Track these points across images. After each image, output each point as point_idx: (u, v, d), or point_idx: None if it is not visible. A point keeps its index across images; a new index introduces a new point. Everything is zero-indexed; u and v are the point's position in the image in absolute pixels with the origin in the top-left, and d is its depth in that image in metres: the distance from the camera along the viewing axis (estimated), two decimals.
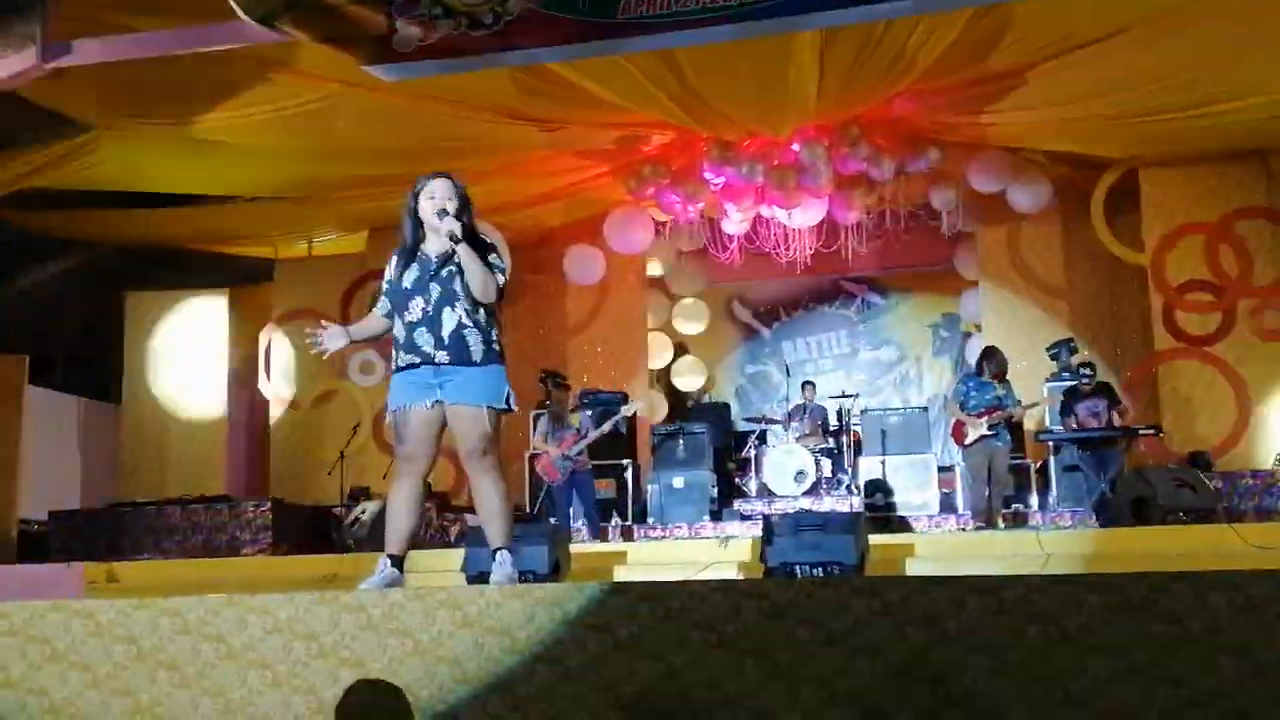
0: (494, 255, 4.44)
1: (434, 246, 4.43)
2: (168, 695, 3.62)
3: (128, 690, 3.66)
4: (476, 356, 4.34)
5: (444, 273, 4.36)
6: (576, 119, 10.47)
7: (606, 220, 12.71)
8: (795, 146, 11.25)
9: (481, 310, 4.38)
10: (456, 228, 4.32)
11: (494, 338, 4.42)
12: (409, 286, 4.38)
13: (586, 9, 7.02)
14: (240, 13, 7.02)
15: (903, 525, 10.23)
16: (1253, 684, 2.86)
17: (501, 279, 4.42)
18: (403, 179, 4.64)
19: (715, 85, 9.74)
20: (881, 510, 10.57)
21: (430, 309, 4.33)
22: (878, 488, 10.86)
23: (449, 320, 4.32)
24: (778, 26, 7.23)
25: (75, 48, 7.44)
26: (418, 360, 4.34)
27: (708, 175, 11.71)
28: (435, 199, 4.40)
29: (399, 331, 4.40)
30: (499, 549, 4.43)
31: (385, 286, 4.52)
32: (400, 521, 4.44)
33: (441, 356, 4.31)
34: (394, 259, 4.51)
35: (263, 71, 8.88)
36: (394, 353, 4.45)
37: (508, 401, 4.41)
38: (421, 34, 7.14)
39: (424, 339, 4.33)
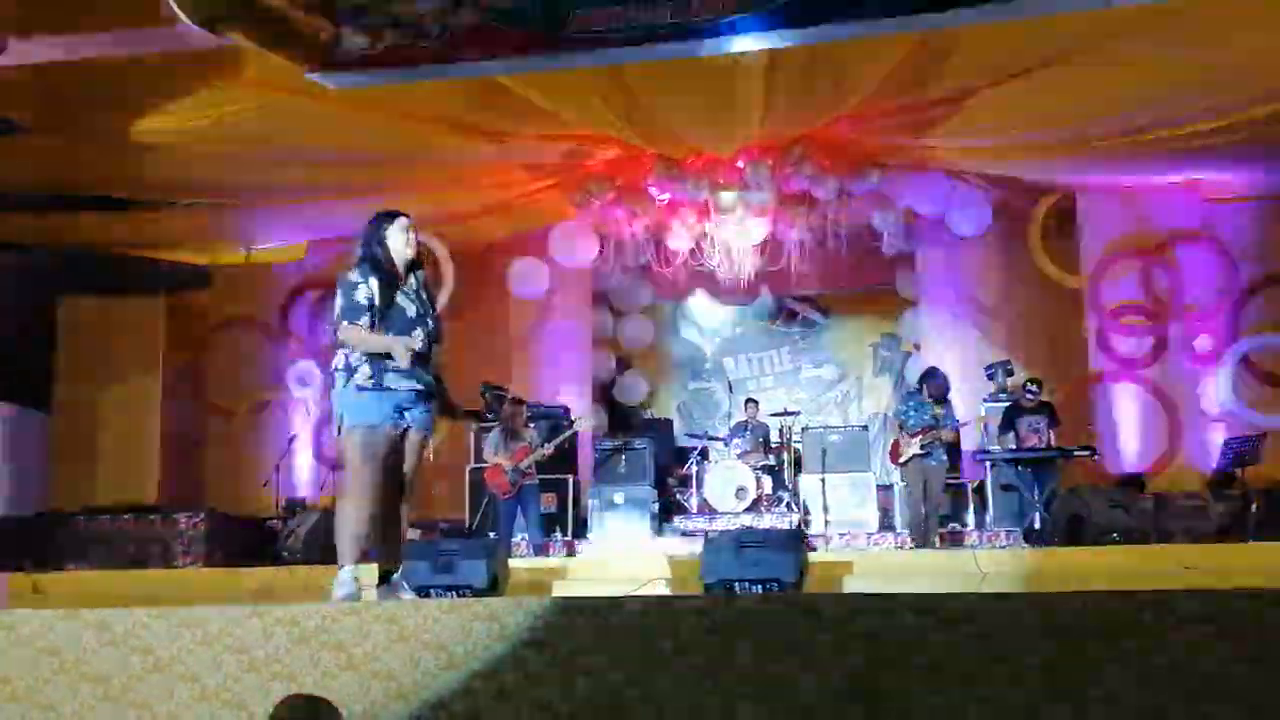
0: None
1: (410, 281, 4.67)
2: (91, 709, 3.53)
3: (49, 704, 3.57)
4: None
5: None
6: (523, 132, 10.43)
7: (551, 234, 12.69)
8: (740, 165, 11.32)
9: None
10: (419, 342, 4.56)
11: None
12: (413, 317, 4.60)
13: (535, 22, 7.01)
14: (182, 16, 6.91)
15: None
16: (1183, 701, 2.91)
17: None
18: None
19: (662, 102, 9.77)
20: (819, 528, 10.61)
21: (425, 344, 4.57)
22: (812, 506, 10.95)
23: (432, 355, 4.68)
24: (724, 46, 7.28)
25: (9, 47, 7.29)
26: (419, 388, 4.56)
27: (653, 191, 11.74)
28: (411, 240, 4.63)
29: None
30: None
31: (370, 304, 4.54)
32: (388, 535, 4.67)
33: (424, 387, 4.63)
34: (373, 279, 4.55)
35: (205, 77, 8.74)
36: (377, 368, 4.48)
37: None
38: (368, 43, 7.08)
39: (422, 371, 4.57)
